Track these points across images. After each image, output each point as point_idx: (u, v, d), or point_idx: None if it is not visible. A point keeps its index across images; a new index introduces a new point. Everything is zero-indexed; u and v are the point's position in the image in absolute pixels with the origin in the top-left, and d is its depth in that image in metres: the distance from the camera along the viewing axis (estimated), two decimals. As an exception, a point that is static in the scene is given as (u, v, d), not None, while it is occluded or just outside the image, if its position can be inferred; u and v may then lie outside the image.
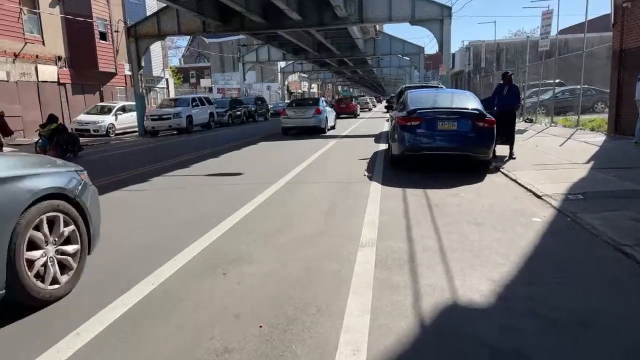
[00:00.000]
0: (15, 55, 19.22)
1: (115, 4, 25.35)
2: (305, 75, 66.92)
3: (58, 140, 12.27)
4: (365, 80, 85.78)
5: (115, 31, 24.74)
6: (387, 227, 4.72)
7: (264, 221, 5.14)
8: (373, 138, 15.07)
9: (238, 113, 29.26)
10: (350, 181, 7.45)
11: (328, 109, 19.73)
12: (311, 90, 73.99)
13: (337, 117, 23.09)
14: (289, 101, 25.29)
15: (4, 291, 2.79)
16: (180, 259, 3.93)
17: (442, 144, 7.88)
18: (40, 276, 3.03)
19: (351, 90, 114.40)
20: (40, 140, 12.68)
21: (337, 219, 5.16)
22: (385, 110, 27.58)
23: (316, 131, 17.58)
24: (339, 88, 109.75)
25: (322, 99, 20.88)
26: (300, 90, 71.07)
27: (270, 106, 37.99)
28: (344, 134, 17.54)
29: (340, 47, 33.02)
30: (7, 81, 18.73)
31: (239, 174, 8.40)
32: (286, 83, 55.87)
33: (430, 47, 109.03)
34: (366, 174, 8.07)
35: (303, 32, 27.39)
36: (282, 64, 56.66)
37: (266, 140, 15.72)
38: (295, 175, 8.18)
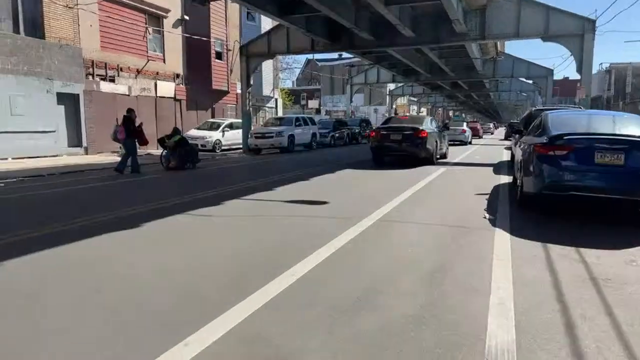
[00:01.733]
0: (138, 72, 20.51)
1: (232, 26, 26.35)
2: (415, 99, 64.75)
3: (180, 152, 12.74)
4: (480, 105, 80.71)
5: (229, 50, 25.56)
6: (530, 318, 2.90)
7: (336, 284, 3.61)
8: (491, 168, 12.79)
9: (341, 135, 28.44)
10: (464, 225, 5.60)
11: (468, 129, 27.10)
12: (420, 114, 71.45)
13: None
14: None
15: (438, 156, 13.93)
16: (207, 341, 2.58)
17: (600, 184, 5.68)
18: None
19: (463, 115, 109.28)
20: (164, 152, 13.07)
21: (445, 292, 3.42)
22: (505, 137, 24.65)
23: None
24: (450, 113, 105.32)
25: (465, 122, 29.57)
26: (407, 114, 69.02)
27: (375, 129, 36.83)
28: (455, 160, 15.40)
29: (455, 68, 30.66)
30: (129, 95, 19.97)
31: (323, 202, 7.03)
32: (394, 106, 54.37)
33: (559, 71, 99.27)
34: (487, 215, 6.13)
35: (415, 51, 25.84)
36: (391, 86, 55.52)
37: (364, 164, 14.33)
38: (391, 210, 6.55)
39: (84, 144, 17.87)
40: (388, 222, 5.75)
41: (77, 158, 16.46)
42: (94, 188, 9.58)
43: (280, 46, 21.51)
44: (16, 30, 15.39)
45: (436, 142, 13.80)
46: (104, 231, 5.30)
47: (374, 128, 21.46)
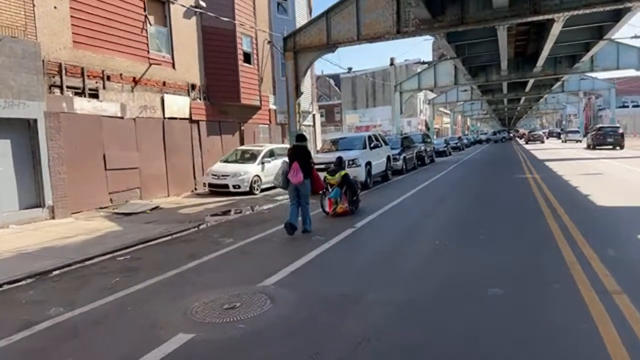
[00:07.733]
0: (135, 82, 13.33)
1: (261, 19, 19.33)
2: (448, 111, 57.86)
3: (346, 192, 9.79)
4: (501, 112, 74.43)
5: (269, 42, 18.48)
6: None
7: None
8: None
9: (411, 155, 21.22)
10: None
11: None
12: (444, 125, 64.60)
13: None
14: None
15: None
16: None
17: None
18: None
19: (477, 124, 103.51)
20: (330, 191, 9.72)
21: None
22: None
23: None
24: (468, 122, 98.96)
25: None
26: (438, 126, 61.96)
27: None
28: None
29: (550, 60, 23.60)
30: (122, 118, 12.75)
31: None
32: (429, 117, 47.36)
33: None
34: None
35: (510, 35, 18.94)
36: (420, 96, 49.42)
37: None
38: None
39: (48, 201, 10.54)
40: None
41: (38, 230, 9.13)
42: None
43: (346, 32, 14.38)
44: None
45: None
46: None
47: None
